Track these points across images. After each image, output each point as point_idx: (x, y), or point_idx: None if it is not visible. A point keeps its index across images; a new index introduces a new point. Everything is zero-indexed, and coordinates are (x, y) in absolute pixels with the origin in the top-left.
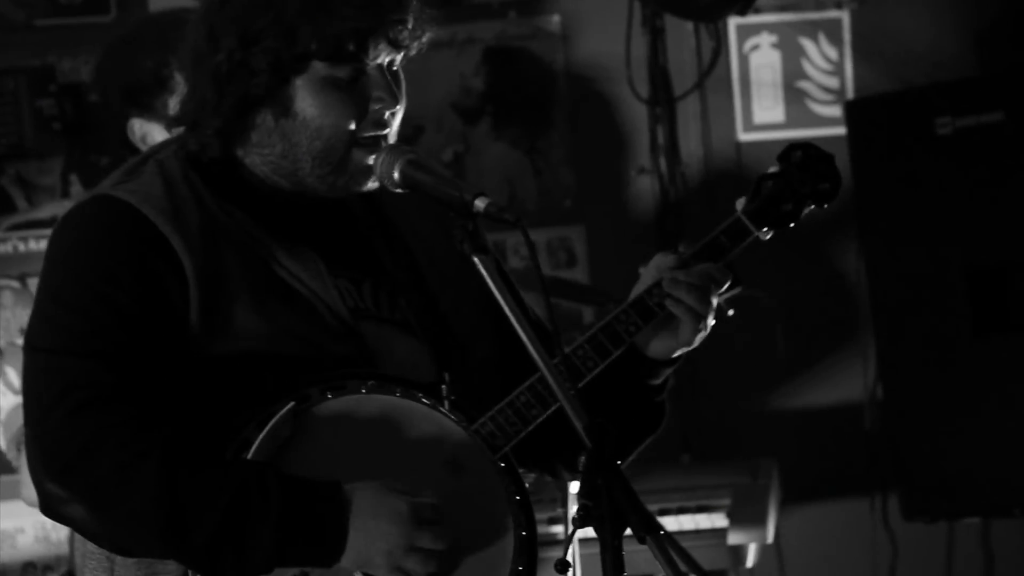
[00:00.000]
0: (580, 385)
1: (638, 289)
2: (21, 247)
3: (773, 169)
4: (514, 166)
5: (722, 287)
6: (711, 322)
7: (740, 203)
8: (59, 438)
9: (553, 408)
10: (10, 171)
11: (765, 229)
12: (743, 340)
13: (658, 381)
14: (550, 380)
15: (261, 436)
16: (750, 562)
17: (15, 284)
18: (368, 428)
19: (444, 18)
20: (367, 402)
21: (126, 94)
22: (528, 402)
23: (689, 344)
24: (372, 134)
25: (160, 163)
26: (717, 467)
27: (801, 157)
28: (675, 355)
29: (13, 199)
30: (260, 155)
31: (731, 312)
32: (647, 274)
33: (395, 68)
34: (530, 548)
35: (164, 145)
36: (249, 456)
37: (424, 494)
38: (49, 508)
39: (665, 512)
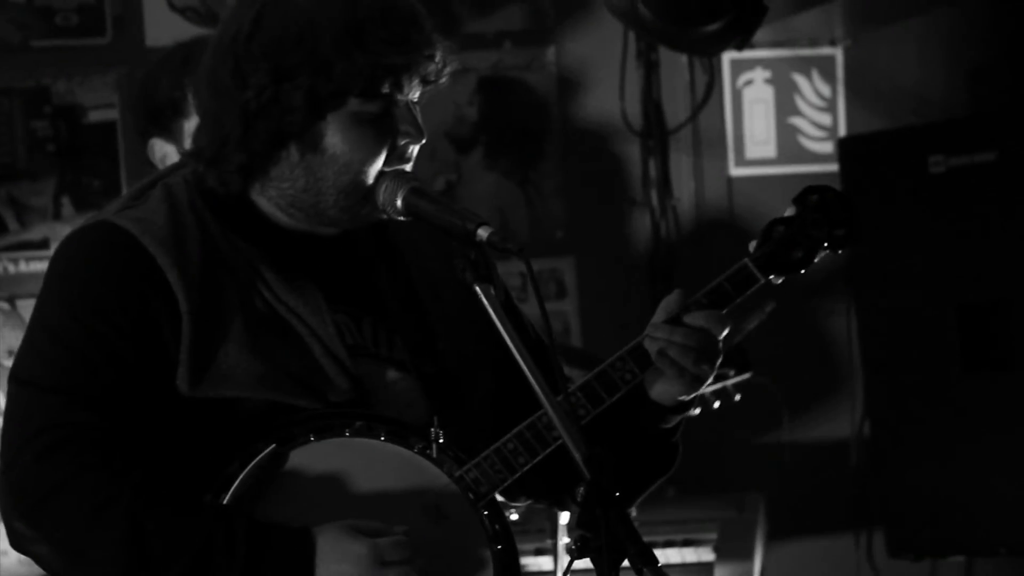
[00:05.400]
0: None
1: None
2: (11, 268)
3: (788, 212)
4: (506, 196)
5: (719, 336)
6: (707, 373)
7: (751, 246)
8: (29, 477)
9: (541, 456)
10: (2, 192)
11: (773, 276)
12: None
13: (669, 425)
14: (551, 412)
15: (240, 477)
16: None
17: (5, 306)
18: (349, 472)
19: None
20: (349, 445)
21: (147, 115)
22: (515, 449)
23: (685, 394)
24: (396, 168)
25: (168, 187)
26: (704, 501)
27: (817, 201)
28: (682, 402)
29: (5, 220)
30: (278, 189)
31: (738, 397)
32: (656, 316)
33: (416, 101)
34: None
35: (175, 168)
36: (228, 497)
37: (394, 532)
38: (17, 544)
39: (652, 545)
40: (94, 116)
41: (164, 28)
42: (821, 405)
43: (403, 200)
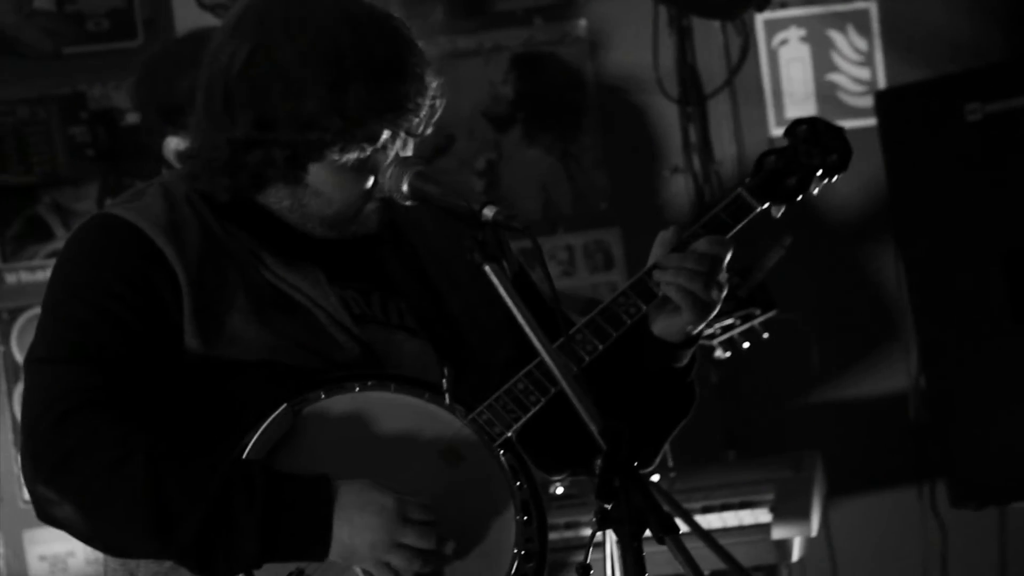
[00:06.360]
0: (582, 366)
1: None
2: None
3: (779, 144)
4: (548, 172)
5: (723, 261)
6: (716, 299)
7: (747, 179)
8: (48, 441)
9: (552, 394)
10: (46, 199)
11: (768, 204)
12: (784, 336)
13: (682, 363)
14: (566, 388)
15: (255, 436)
16: (796, 556)
17: None
18: (362, 424)
19: (471, 27)
20: (361, 399)
21: (162, 112)
22: (526, 388)
23: (695, 325)
24: (382, 196)
25: (164, 185)
26: (761, 462)
27: (806, 130)
28: (690, 334)
29: (50, 226)
30: (267, 198)
31: (766, 335)
32: (653, 253)
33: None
34: (537, 533)
35: (173, 171)
36: (243, 456)
37: (418, 495)
38: (42, 511)
39: (709, 509)
40: (131, 118)
41: (195, 27)
42: (876, 360)
43: (409, 185)
